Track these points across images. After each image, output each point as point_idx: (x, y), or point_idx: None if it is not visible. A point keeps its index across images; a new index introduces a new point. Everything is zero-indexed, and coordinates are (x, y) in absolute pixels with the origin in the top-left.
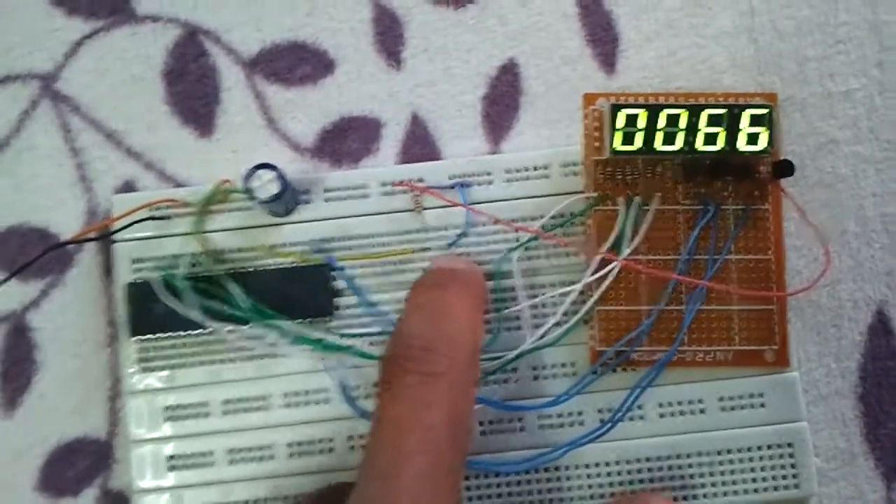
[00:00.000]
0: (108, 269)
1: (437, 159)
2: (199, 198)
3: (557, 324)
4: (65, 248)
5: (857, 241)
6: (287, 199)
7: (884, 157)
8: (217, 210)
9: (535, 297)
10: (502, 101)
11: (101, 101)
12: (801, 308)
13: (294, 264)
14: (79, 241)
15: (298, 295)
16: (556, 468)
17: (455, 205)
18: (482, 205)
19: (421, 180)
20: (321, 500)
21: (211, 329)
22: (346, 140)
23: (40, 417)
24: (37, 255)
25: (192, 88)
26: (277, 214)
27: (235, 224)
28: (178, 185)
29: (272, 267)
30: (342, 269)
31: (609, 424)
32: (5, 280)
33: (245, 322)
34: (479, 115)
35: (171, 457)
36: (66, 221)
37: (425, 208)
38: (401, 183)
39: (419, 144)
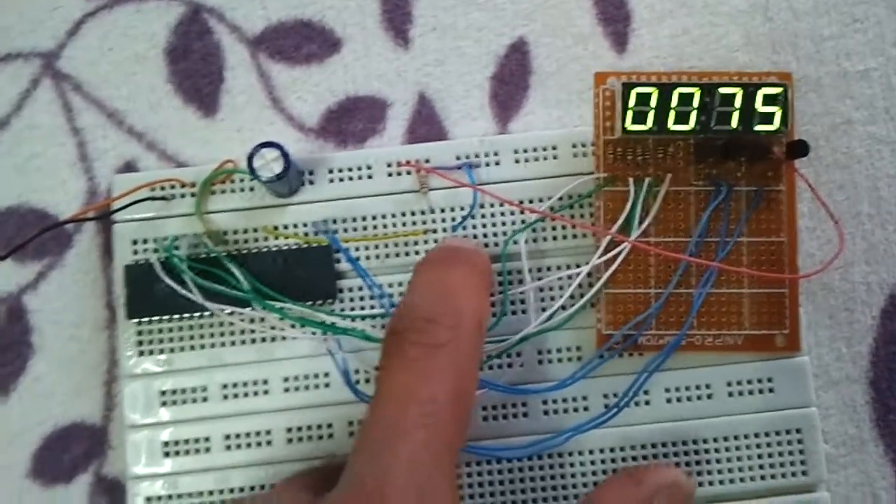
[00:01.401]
0: (107, 251)
1: (444, 140)
2: (201, 178)
3: (563, 307)
4: (63, 230)
5: (871, 223)
6: (291, 179)
7: None
8: (219, 190)
9: (541, 279)
10: (511, 80)
11: (103, 80)
12: (813, 291)
13: (297, 246)
14: (77, 221)
15: (301, 277)
16: (560, 454)
17: (462, 185)
18: (489, 186)
19: (427, 161)
20: (316, 477)
21: (211, 311)
22: (352, 120)
23: (35, 402)
24: (33, 234)
25: (195, 67)
26: (281, 195)
27: (238, 205)
28: (180, 165)
29: (275, 248)
30: (346, 250)
31: (614, 410)
32: (0, 260)
33: (246, 304)
34: (487, 95)
35: (167, 442)
36: (66, 202)
37: (431, 189)
38: (407, 163)
39: (426, 125)
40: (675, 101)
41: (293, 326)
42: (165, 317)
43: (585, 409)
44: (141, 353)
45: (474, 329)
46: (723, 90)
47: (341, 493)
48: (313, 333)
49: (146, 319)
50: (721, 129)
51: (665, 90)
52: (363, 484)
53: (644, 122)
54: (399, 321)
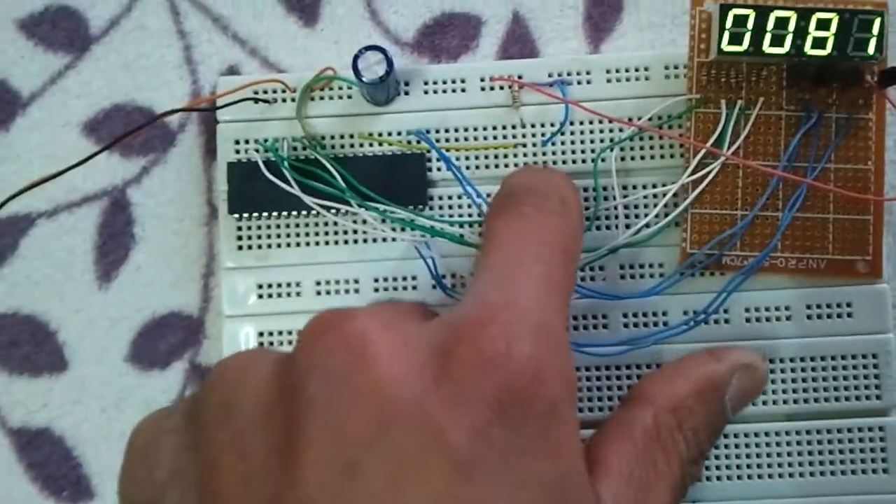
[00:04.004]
0: (208, 150)
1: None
2: (302, 83)
3: (648, 225)
4: (167, 128)
5: None
6: (389, 86)
7: None
8: (318, 97)
9: (628, 196)
10: (606, 2)
11: None
12: (895, 223)
13: (392, 152)
14: (182, 111)
15: (394, 183)
16: (638, 366)
17: (555, 100)
18: (581, 103)
19: (520, 77)
20: (411, 309)
21: (310, 209)
22: (446, 36)
23: (135, 291)
24: (139, 125)
25: None
26: (378, 102)
27: (336, 111)
28: (281, 72)
29: (370, 154)
30: (447, 156)
31: (693, 323)
32: (102, 150)
33: (344, 204)
34: (580, 15)
35: (262, 333)
36: (170, 102)
37: (523, 104)
38: (500, 78)
39: (518, 43)
40: (771, 24)
41: (392, 229)
42: (265, 213)
43: (665, 324)
44: (240, 248)
45: (579, 213)
46: (819, 15)
47: (465, 308)
48: (413, 235)
49: (246, 215)
50: (815, 54)
51: (762, 12)
52: (488, 298)
53: (740, 44)
54: (511, 186)
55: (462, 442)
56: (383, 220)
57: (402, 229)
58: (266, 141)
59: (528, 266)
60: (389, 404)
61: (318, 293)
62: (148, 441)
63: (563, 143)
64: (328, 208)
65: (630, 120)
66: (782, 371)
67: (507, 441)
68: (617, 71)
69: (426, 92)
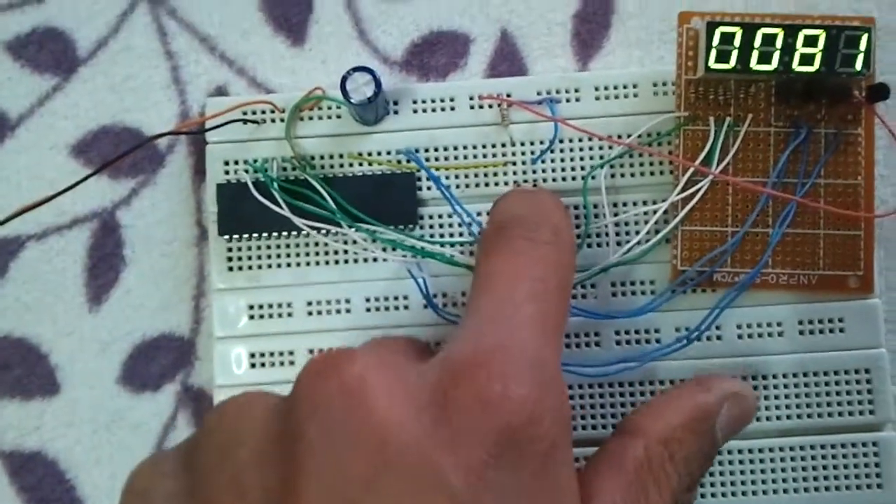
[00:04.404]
0: (198, 171)
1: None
2: (290, 103)
3: (639, 242)
4: (157, 150)
5: None
6: (378, 106)
7: None
8: (307, 117)
9: (618, 214)
10: (594, 19)
11: (197, 6)
12: (886, 237)
13: (381, 172)
14: (172, 134)
15: (384, 202)
16: (631, 383)
17: (544, 118)
18: (570, 121)
19: (509, 95)
20: (405, 345)
21: (300, 230)
22: (435, 55)
23: (126, 313)
24: (128, 148)
25: None
26: (367, 122)
27: (325, 131)
28: (269, 92)
29: (360, 174)
30: (436, 176)
31: (685, 341)
32: (93, 174)
33: (334, 225)
34: (568, 33)
35: (253, 354)
36: (159, 123)
37: (512, 122)
38: (489, 96)
39: (507, 61)
40: (758, 42)
41: (383, 249)
42: (255, 234)
43: (658, 341)
44: (230, 269)
45: (571, 241)
46: (806, 31)
47: (461, 347)
48: (403, 256)
49: (236, 236)
50: (803, 71)
51: (749, 30)
52: (484, 338)
53: (727, 62)
54: (500, 218)
55: (460, 484)
56: (373, 241)
57: (393, 249)
58: (255, 162)
59: (523, 304)
60: (389, 446)
61: (310, 314)
62: (145, 485)
63: (552, 161)
64: (318, 229)
65: (619, 137)
66: (775, 387)
67: (504, 482)
68: (605, 88)
69: (415, 111)
